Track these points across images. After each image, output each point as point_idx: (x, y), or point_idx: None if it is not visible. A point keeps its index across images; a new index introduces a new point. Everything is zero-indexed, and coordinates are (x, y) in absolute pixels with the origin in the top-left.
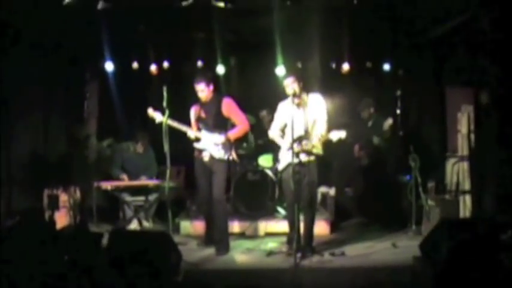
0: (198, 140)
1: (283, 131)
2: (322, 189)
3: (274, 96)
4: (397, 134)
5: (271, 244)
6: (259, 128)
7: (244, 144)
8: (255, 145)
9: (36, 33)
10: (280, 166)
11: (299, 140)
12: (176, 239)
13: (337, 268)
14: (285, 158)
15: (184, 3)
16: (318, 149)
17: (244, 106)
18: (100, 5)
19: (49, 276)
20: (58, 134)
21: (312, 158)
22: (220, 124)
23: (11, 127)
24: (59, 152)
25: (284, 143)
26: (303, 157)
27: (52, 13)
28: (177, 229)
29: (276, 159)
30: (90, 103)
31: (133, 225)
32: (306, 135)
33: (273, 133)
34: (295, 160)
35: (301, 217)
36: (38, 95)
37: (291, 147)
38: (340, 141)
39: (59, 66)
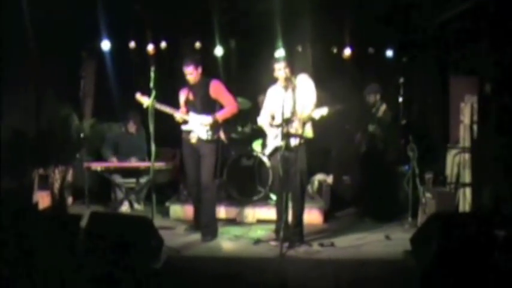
0: (185, 122)
1: (273, 117)
2: (320, 177)
3: (272, 80)
4: (398, 123)
5: (260, 232)
6: (257, 113)
7: (239, 128)
8: (250, 129)
9: (32, 11)
10: (267, 151)
11: (286, 122)
12: (165, 223)
13: (323, 259)
14: (272, 142)
15: None
16: (307, 132)
17: (242, 89)
18: None
19: (26, 258)
20: (51, 113)
21: (301, 141)
22: (208, 106)
23: (1, 105)
24: (47, 132)
25: (271, 130)
26: (292, 141)
27: None
28: (167, 213)
29: (264, 145)
30: (86, 83)
31: (125, 208)
32: (293, 118)
33: (262, 120)
34: (283, 143)
35: (291, 205)
36: (32, 74)
37: (281, 128)
38: (323, 118)
39: (55, 45)
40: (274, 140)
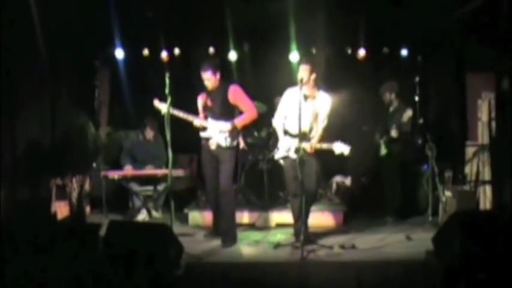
0: (204, 128)
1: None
2: (338, 179)
3: (288, 82)
4: (416, 122)
5: (280, 236)
6: (273, 116)
7: (255, 133)
8: (266, 133)
9: (45, 20)
10: (277, 155)
11: (301, 138)
12: (184, 229)
13: (345, 262)
14: (283, 149)
15: None
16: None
17: (257, 93)
18: None
19: (45, 268)
20: (67, 123)
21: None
22: (227, 112)
23: (15, 115)
24: (62, 141)
25: (284, 137)
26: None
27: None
28: (185, 219)
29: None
30: (101, 91)
31: (143, 216)
32: (309, 135)
33: (277, 122)
34: (294, 156)
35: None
36: (46, 84)
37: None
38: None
39: (69, 54)
40: (286, 149)
